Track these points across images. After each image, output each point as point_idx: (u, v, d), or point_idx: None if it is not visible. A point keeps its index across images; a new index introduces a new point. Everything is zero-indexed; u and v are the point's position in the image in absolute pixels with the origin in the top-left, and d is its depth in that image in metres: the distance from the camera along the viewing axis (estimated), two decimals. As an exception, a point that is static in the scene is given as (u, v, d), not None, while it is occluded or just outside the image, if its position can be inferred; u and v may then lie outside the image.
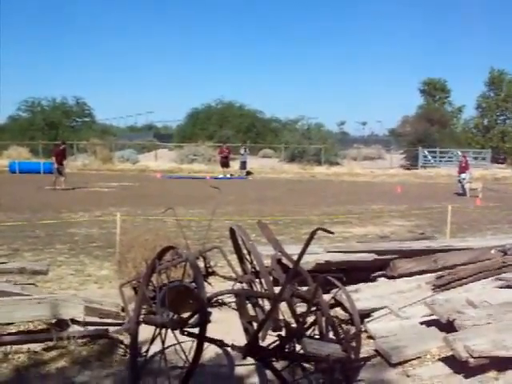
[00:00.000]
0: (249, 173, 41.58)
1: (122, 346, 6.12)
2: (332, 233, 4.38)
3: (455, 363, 5.52)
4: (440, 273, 7.82)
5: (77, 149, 52.15)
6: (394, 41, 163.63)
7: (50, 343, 6.08)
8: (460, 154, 37.45)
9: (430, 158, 51.60)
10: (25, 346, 6.04)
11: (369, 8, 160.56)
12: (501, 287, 7.41)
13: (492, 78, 60.93)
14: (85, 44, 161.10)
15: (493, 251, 8.59)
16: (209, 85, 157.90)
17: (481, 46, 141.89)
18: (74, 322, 6.35)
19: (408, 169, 49.19)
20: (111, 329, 6.46)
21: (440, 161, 51.60)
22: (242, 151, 42.46)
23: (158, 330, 4.83)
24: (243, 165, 41.70)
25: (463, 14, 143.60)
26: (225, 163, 39.39)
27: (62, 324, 6.27)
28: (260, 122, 65.03)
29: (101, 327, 6.48)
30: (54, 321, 6.32)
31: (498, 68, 61.59)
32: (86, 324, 6.41)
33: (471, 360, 5.29)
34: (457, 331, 5.90)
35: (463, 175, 29.00)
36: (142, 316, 5.23)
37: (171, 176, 38.11)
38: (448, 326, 6.14)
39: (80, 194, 24.77)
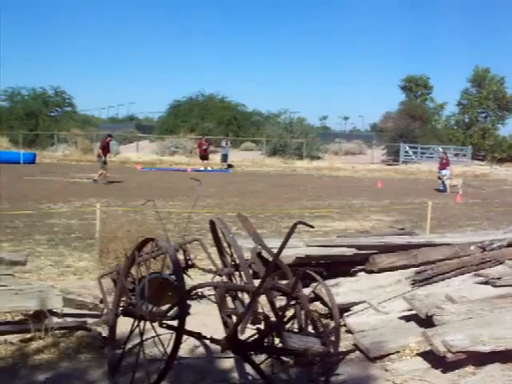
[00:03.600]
0: (230, 166, 41.52)
1: (101, 338, 6.08)
2: (312, 226, 4.37)
3: (434, 358, 5.56)
4: (420, 268, 7.84)
5: (57, 139, 51.86)
6: (378, 37, 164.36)
7: (28, 335, 6.04)
8: (441, 150, 37.57)
9: (411, 153, 51.84)
10: (1, 338, 5.99)
11: (353, 6, 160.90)
12: (480, 283, 7.44)
13: (476, 76, 61.27)
14: (67, 36, 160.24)
15: (472, 247, 8.64)
16: (191, 77, 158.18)
17: (463, 44, 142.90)
18: (51, 313, 6.28)
19: (389, 164, 49.45)
20: (89, 320, 6.42)
21: (421, 157, 51.86)
22: (223, 144, 42.39)
23: (136, 322, 4.81)
24: (224, 158, 41.64)
25: (446, 13, 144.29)
26: (204, 156, 39.28)
27: (39, 315, 6.21)
28: (242, 115, 64.90)
29: (79, 319, 6.44)
30: (31, 312, 6.26)
31: (482, 66, 62.11)
32: (64, 315, 6.37)
33: (449, 355, 5.33)
34: (436, 326, 5.93)
35: (444, 171, 29.14)
36: (120, 308, 5.20)
37: (151, 168, 37.98)
38: (427, 321, 6.17)
39: (60, 185, 24.58)
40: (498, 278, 7.37)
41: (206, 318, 6.19)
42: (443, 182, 28.84)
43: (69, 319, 6.38)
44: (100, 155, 26.56)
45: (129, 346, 5.27)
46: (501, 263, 8.19)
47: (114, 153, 46.33)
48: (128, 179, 26.49)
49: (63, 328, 6.19)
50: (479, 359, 5.52)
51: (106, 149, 26.79)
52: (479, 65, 62.49)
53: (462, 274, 7.80)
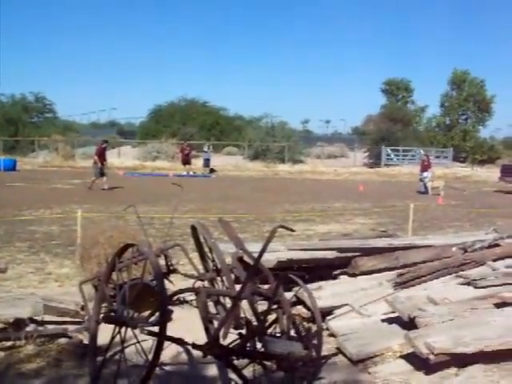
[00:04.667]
0: (212, 170, 41.46)
1: (82, 346, 6.03)
2: (293, 230, 4.36)
3: (416, 360, 5.57)
4: (401, 270, 7.86)
5: (38, 145, 51.54)
6: (359, 41, 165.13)
7: (8, 343, 5.98)
8: (422, 152, 37.77)
9: (392, 156, 51.99)
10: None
11: (333, 9, 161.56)
12: (461, 284, 7.47)
13: (455, 78, 61.65)
14: (47, 41, 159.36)
15: (454, 249, 8.67)
16: (172, 82, 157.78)
17: (444, 47, 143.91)
18: (32, 321, 6.23)
19: (371, 167, 49.55)
20: (71, 328, 6.37)
21: (403, 159, 52.03)
22: (205, 149, 42.35)
23: (117, 329, 4.77)
24: (207, 162, 41.55)
25: (427, 16, 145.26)
26: (186, 161, 39.19)
27: (19, 323, 6.15)
28: (224, 119, 64.91)
29: (60, 326, 6.39)
30: (11, 320, 6.20)
31: (461, 68, 62.53)
32: (44, 323, 6.32)
33: (432, 357, 5.33)
34: (418, 328, 5.94)
35: (425, 174, 29.29)
36: (101, 315, 5.16)
37: (134, 173, 37.83)
38: (409, 324, 6.18)
39: (41, 191, 24.42)
40: (480, 279, 7.40)
41: (188, 324, 6.15)
42: (425, 184, 28.97)
43: (50, 327, 6.33)
44: (96, 162, 26.20)
45: (110, 353, 5.23)
46: (482, 264, 8.24)
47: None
48: (110, 185, 26.29)
49: (44, 336, 6.14)
50: (462, 360, 5.53)
51: (102, 156, 26.47)
52: (458, 67, 62.92)
53: (444, 275, 7.83)
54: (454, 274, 7.83)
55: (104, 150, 27.11)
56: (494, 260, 8.40)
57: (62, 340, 6.20)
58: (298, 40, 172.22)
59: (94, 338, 5.14)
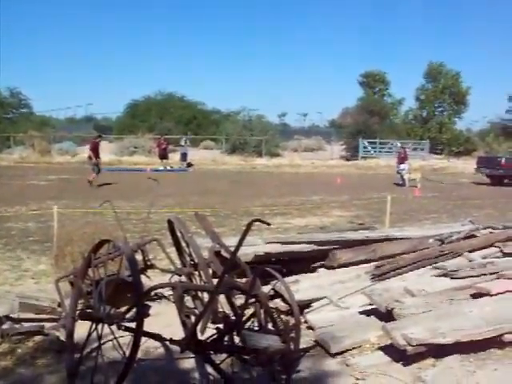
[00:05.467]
0: (190, 164, 41.33)
1: (59, 343, 5.99)
2: (269, 224, 4.35)
3: (394, 351, 5.60)
4: (379, 262, 7.90)
5: (14, 141, 51.06)
6: (335, 33, 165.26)
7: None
8: (399, 145, 37.92)
9: (370, 148, 52.13)
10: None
11: (309, 1, 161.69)
12: (438, 276, 7.52)
13: (430, 71, 61.95)
14: (22, 36, 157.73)
15: (430, 240, 8.73)
16: (149, 77, 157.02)
17: (420, 39, 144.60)
18: (8, 318, 6.19)
19: (348, 160, 49.67)
20: (47, 325, 6.33)
21: (380, 152, 52.16)
22: (182, 143, 42.17)
23: (94, 325, 4.74)
24: (184, 156, 41.39)
25: (402, 7, 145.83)
26: (163, 155, 39.04)
27: (-5, 321, 6.11)
28: (201, 113, 64.70)
29: (36, 323, 6.34)
30: (-14, 318, 6.15)
31: (436, 61, 62.84)
32: (20, 320, 6.27)
33: (409, 348, 5.37)
34: (395, 320, 5.98)
35: (402, 166, 29.42)
36: (78, 311, 5.13)
37: (110, 169, 37.58)
38: (387, 315, 6.22)
39: (17, 188, 24.20)
40: (456, 271, 7.46)
41: (166, 319, 6.14)
42: (402, 177, 29.10)
43: (26, 324, 6.28)
44: (91, 157, 25.93)
45: (87, 349, 5.19)
46: (459, 255, 8.30)
47: (73, 154, 45.97)
48: (86, 180, 26.08)
49: (20, 333, 6.09)
50: (439, 351, 5.58)
51: (95, 150, 26.21)
52: (433, 60, 63.23)
53: (421, 267, 7.88)
54: (431, 266, 7.88)
55: (98, 145, 26.85)
56: (471, 251, 8.47)
57: (39, 337, 6.16)
58: (273, 33, 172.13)
59: (70, 334, 5.11)
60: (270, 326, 5.16)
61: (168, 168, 38.10)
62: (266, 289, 6.00)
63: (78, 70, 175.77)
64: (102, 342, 4.68)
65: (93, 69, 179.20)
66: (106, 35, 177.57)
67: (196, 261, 5.50)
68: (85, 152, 48.49)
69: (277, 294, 6.68)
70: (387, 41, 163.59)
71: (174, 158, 42.26)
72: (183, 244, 5.79)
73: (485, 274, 7.39)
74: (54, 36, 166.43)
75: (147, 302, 4.92)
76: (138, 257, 5.84)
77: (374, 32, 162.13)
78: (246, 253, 7.27)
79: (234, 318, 4.84)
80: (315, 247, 8.23)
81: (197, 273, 5.55)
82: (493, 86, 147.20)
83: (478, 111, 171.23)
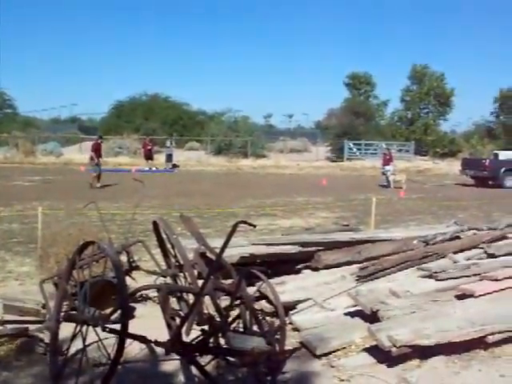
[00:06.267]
0: (175, 165, 41.27)
1: (43, 345, 5.96)
2: (254, 226, 4.36)
3: (379, 353, 5.62)
4: (364, 264, 7.92)
5: (-3, 142, 50.83)
6: (322, 35, 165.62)
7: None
8: (384, 146, 38.11)
9: (355, 150, 52.28)
10: None
11: (296, 2, 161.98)
12: (423, 277, 7.55)
13: (414, 73, 62.28)
14: (5, 35, 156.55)
15: (415, 242, 8.75)
16: (134, 77, 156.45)
17: (406, 41, 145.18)
18: (-9, 320, 6.16)
19: (334, 161, 49.80)
20: (31, 327, 6.29)
21: (365, 153, 52.36)
22: (167, 144, 42.12)
23: (79, 327, 4.73)
24: (169, 157, 41.33)
25: (388, 10, 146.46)
26: (149, 156, 39.00)
27: (-22, 324, 6.07)
28: (186, 114, 64.67)
29: (20, 325, 6.30)
30: (-31, 320, 6.11)
31: (421, 63, 63.20)
32: (4, 322, 6.22)
33: (394, 349, 5.39)
34: (380, 321, 6.00)
35: (387, 167, 29.54)
36: (63, 313, 5.11)
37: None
38: (372, 317, 6.24)
39: (1, 188, 24.04)
40: (441, 272, 7.48)
41: (151, 321, 6.11)
42: (387, 178, 29.21)
43: (10, 326, 6.24)
44: (93, 158, 25.77)
45: (72, 351, 5.17)
46: (443, 257, 8.33)
47: (57, 154, 45.73)
48: (71, 181, 26.05)
49: (3, 336, 6.05)
50: (424, 352, 5.60)
51: (98, 151, 26.08)
52: (418, 62, 63.64)
53: (406, 268, 7.91)
54: (416, 267, 7.91)
55: (100, 146, 26.75)
56: (455, 252, 8.50)
57: (23, 339, 6.12)
58: (259, 34, 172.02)
59: (55, 336, 5.09)
60: (255, 327, 5.17)
61: (153, 169, 38.04)
62: (252, 290, 6.00)
63: (62, 71, 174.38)
64: (86, 344, 4.67)
65: (78, 69, 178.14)
66: (91, 36, 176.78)
67: (181, 262, 5.50)
68: (69, 152, 48.66)
69: (262, 296, 6.68)
70: (373, 43, 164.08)
71: (160, 159, 42.20)
72: (168, 245, 5.78)
73: (469, 276, 7.42)
74: (39, 36, 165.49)
75: (132, 304, 4.90)
76: (123, 258, 5.84)
77: (360, 34, 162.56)
78: (232, 254, 7.26)
79: (219, 319, 4.84)
80: (300, 248, 8.23)
81: (182, 274, 5.55)
82: (477, 88, 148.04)
83: (463, 113, 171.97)
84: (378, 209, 14.09)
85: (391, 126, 63.44)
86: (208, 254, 6.30)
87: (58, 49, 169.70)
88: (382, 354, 5.59)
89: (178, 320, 4.97)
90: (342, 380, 5.34)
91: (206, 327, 4.68)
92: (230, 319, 4.98)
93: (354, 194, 23.65)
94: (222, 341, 4.73)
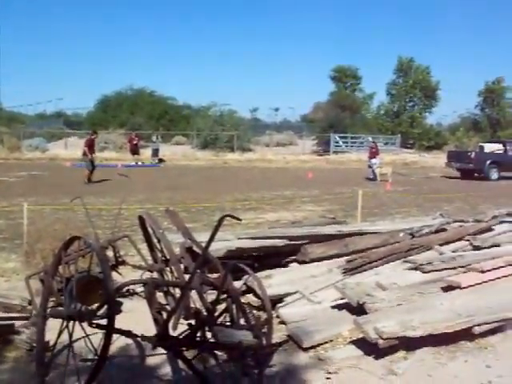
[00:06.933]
0: (161, 160, 41.24)
1: (29, 341, 5.93)
2: (240, 220, 4.36)
3: (366, 345, 5.64)
4: (351, 257, 7.94)
5: (-18, 138, 50.52)
6: (307, 28, 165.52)
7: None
8: (370, 139, 38.17)
9: (341, 143, 52.35)
10: None
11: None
12: (409, 269, 7.58)
13: (400, 66, 62.40)
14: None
15: (401, 234, 8.79)
16: (120, 71, 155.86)
17: (391, 34, 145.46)
18: (-23, 317, 6.13)
19: (320, 154, 49.86)
20: (17, 323, 6.26)
21: (351, 146, 52.46)
22: (153, 138, 42.08)
23: (65, 323, 4.71)
24: (155, 152, 41.29)
25: (374, 3, 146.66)
26: (135, 151, 38.92)
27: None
28: (172, 108, 64.45)
29: (6, 322, 6.27)
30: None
31: (406, 56, 63.27)
32: (-10, 319, 6.20)
33: (381, 341, 5.41)
34: (367, 314, 6.02)
35: (373, 160, 29.61)
36: (49, 309, 5.09)
37: (82, 164, 37.27)
38: (359, 309, 6.25)
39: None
40: (427, 264, 7.51)
41: (138, 316, 6.10)
42: (373, 171, 29.30)
43: (-5, 322, 6.21)
44: (86, 154, 25.46)
45: (58, 347, 5.15)
46: (429, 249, 8.37)
47: (43, 150, 45.53)
48: (57, 176, 25.95)
49: (-11, 332, 6.02)
50: (410, 344, 5.63)
51: (91, 147, 25.81)
52: (403, 55, 63.72)
53: (392, 261, 7.93)
54: (402, 259, 7.94)
55: (93, 142, 26.52)
56: (441, 244, 8.54)
57: (9, 336, 6.10)
58: (245, 27, 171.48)
59: (41, 332, 5.07)
60: (242, 321, 5.17)
61: (139, 163, 37.98)
62: (238, 284, 6.00)
63: (47, 65, 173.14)
64: (73, 339, 4.65)
65: (63, 63, 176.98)
66: (76, 30, 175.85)
67: (167, 257, 5.49)
68: (55, 148, 48.46)
69: (249, 289, 6.69)
70: (359, 36, 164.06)
71: (146, 153, 42.13)
72: (154, 240, 5.77)
73: (455, 268, 7.46)
74: (23, 30, 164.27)
75: (119, 299, 4.88)
76: (109, 253, 5.83)
77: (346, 27, 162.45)
78: (218, 248, 7.26)
79: (205, 313, 4.83)
80: (287, 242, 8.23)
81: (168, 269, 5.54)
82: (462, 81, 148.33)
83: (449, 106, 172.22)
84: (364, 202, 14.12)
85: (377, 118, 63.51)
86: (194, 249, 6.29)
87: (43, 42, 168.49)
88: (369, 346, 5.61)
89: (164, 314, 4.96)
90: (330, 372, 5.35)
91: (192, 321, 4.68)
92: (216, 313, 4.97)
93: (340, 187, 23.69)
94: (208, 335, 4.72)
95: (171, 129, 57.67)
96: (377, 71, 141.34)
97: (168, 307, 5.10)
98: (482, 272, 7.16)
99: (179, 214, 6.93)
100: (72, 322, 4.63)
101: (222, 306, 5.21)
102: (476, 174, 31.46)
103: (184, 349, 4.71)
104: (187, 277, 4.84)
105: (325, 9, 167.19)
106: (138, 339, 4.86)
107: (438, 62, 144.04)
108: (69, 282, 4.81)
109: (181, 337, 4.63)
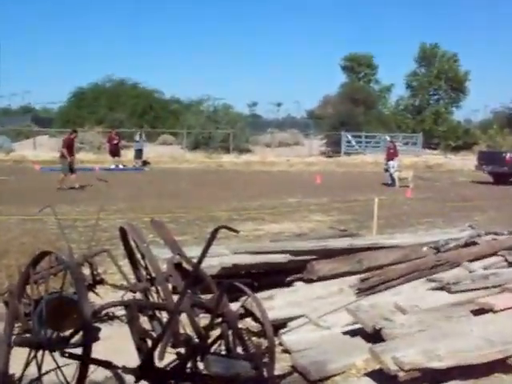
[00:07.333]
0: (145, 163, 41.26)
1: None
2: (237, 231, 4.35)
3: (383, 377, 5.61)
4: (365, 275, 7.92)
5: None
6: (314, 11, 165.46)
7: None
8: (388, 138, 38.18)
9: (354, 143, 52.40)
10: None
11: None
12: (433, 289, 7.56)
13: (423, 53, 62.37)
14: None
15: (425, 249, 8.78)
16: (96, 60, 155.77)
17: (411, 18, 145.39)
18: None
19: (329, 156, 49.93)
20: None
21: (366, 146, 52.51)
22: (137, 138, 42.03)
23: (33, 353, 4.69)
24: (139, 153, 41.26)
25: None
26: (115, 152, 38.88)
27: None
28: (158, 103, 64.38)
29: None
30: None
31: (430, 42, 63.26)
32: None
33: (401, 374, 5.38)
34: (384, 341, 5.99)
35: (391, 163, 29.58)
36: (14, 336, 5.08)
37: (52, 168, 37.28)
38: (375, 336, 6.23)
39: None
40: (455, 283, 7.49)
41: (118, 343, 6.09)
42: (391, 175, 29.27)
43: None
44: (64, 156, 25.52)
45: (25, 381, 5.14)
46: (457, 266, 8.36)
47: (7, 151, 45.51)
48: (24, 182, 25.95)
49: None
50: (435, 376, 5.59)
51: (70, 148, 25.88)
52: (425, 40, 63.72)
53: (414, 279, 7.92)
54: (426, 278, 7.93)
55: (73, 142, 26.56)
56: (471, 261, 8.53)
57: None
58: (242, 13, 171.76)
59: (5, 364, 5.05)
60: (239, 349, 5.16)
61: (120, 166, 37.97)
62: (235, 306, 5.99)
63: (13, 54, 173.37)
64: (42, 372, 4.64)
65: (31, 52, 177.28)
66: (46, 16, 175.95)
67: (153, 275, 5.48)
68: (21, 148, 48.46)
69: (247, 313, 6.68)
70: (374, 20, 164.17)
71: (128, 155, 42.12)
72: (138, 255, 5.76)
73: (487, 287, 7.45)
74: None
75: (96, 324, 4.87)
76: (86, 271, 5.82)
77: (359, 10, 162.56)
78: (212, 265, 7.25)
79: (197, 340, 4.82)
80: (291, 257, 8.22)
81: (154, 289, 5.53)
82: (496, 71, 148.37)
83: (479, 99, 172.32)
84: (380, 211, 14.13)
85: (396, 114, 63.58)
86: (184, 265, 6.29)
87: (8, 30, 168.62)
88: (387, 379, 5.58)
89: (149, 342, 4.95)
90: (341, 410, 5.35)
91: (182, 350, 4.67)
92: (210, 340, 4.97)
93: (352, 194, 23.71)
94: (200, 365, 4.72)
95: (157, 126, 57.65)
96: (395, 60, 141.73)
97: (154, 333, 5.09)
98: (519, 293, 7.16)
99: (166, 226, 6.92)
100: (41, 351, 4.62)
101: (216, 332, 5.20)
102: (511, 179, 31.39)
103: (172, 382, 4.70)
104: (176, 298, 4.84)
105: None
106: (119, 371, 4.84)
107: (467, 48, 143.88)
108: (38, 305, 4.80)
109: (168, 368, 4.62)
